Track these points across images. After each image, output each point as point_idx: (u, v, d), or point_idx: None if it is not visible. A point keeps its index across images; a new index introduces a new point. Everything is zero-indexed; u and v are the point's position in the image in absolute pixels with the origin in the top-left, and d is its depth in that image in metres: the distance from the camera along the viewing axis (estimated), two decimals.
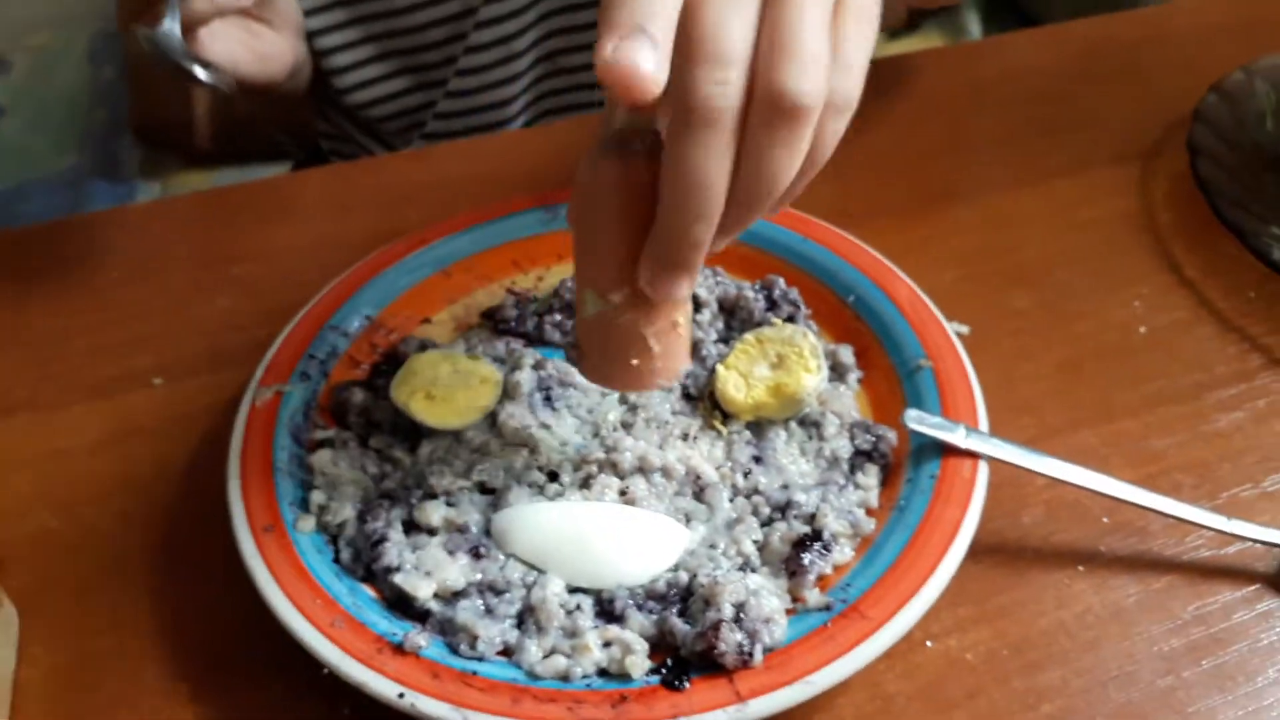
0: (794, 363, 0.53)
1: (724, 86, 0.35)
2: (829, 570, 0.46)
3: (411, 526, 0.48)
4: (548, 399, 0.54)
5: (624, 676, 0.42)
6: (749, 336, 0.55)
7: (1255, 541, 0.50)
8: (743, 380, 0.53)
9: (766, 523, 0.48)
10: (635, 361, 0.45)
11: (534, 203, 0.64)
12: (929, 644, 0.47)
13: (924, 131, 0.76)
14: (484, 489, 0.50)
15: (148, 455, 0.56)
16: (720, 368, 0.54)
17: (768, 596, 0.43)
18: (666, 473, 0.49)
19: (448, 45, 0.83)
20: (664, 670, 0.42)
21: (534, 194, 0.65)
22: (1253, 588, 0.50)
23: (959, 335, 0.57)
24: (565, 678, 0.42)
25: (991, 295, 0.64)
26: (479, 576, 0.45)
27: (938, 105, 0.79)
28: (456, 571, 0.45)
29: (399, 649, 0.42)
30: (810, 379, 0.52)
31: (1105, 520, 0.52)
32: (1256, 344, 0.61)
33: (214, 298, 0.66)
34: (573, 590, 0.45)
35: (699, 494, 0.49)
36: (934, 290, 0.58)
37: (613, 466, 0.50)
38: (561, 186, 0.65)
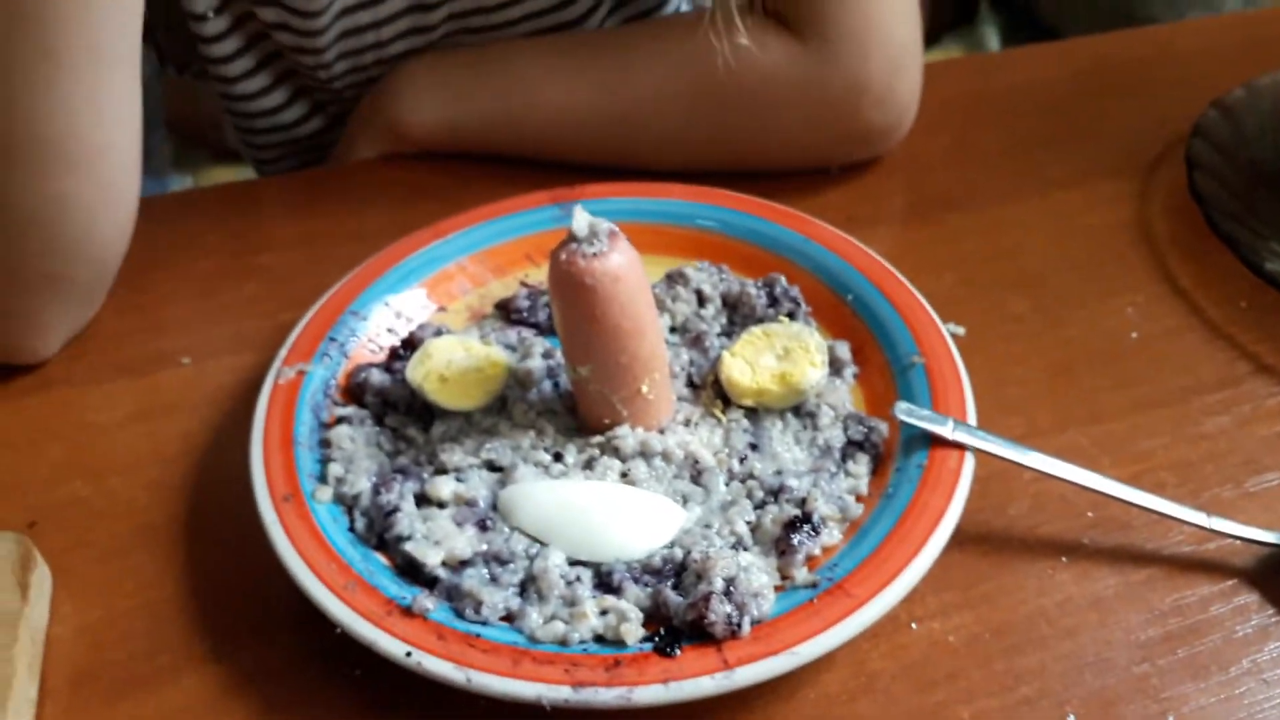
0: (800, 356, 0.55)
1: None
2: (817, 551, 0.48)
3: (423, 500, 0.50)
4: (555, 385, 0.56)
5: (619, 643, 0.45)
6: (757, 329, 0.57)
7: (1235, 538, 0.52)
8: (749, 367, 0.56)
9: (759, 505, 0.50)
10: (607, 421, 0.53)
11: (548, 200, 0.67)
12: (914, 626, 0.49)
13: (930, 140, 0.78)
14: (492, 467, 0.52)
15: (175, 430, 0.59)
16: (726, 354, 0.56)
17: (757, 573, 0.46)
18: (666, 457, 0.52)
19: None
20: (657, 638, 0.45)
21: (548, 191, 0.67)
22: (1230, 582, 0.51)
23: (954, 336, 0.59)
24: (563, 642, 0.45)
25: (988, 299, 0.66)
26: (485, 547, 0.48)
27: (945, 115, 0.81)
28: (464, 542, 0.48)
29: (407, 612, 0.45)
30: (814, 372, 0.55)
31: (1089, 515, 0.54)
32: (1245, 351, 0.63)
33: (240, 284, 0.69)
34: (573, 563, 0.48)
35: (696, 477, 0.52)
36: (932, 293, 0.60)
37: (614, 450, 0.52)
38: (575, 183, 0.68)
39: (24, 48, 0.56)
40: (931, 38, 1.77)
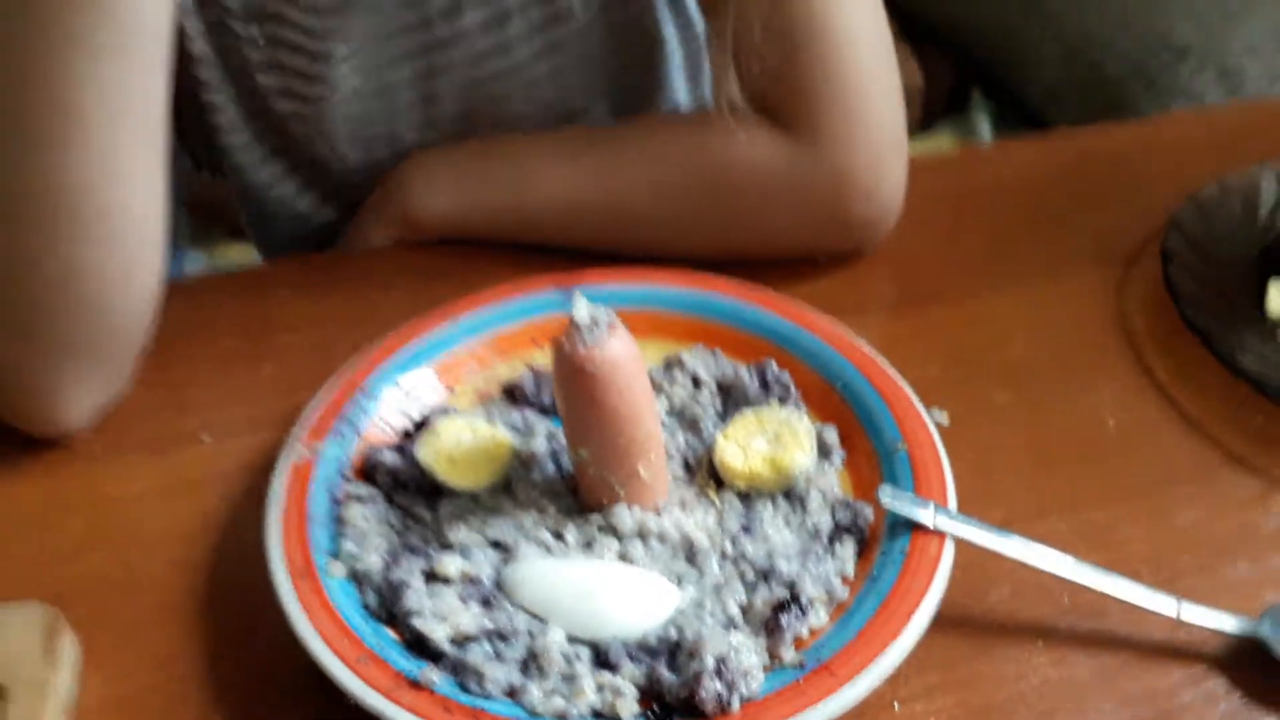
0: (789, 441, 0.58)
1: None
2: (805, 632, 0.51)
3: (430, 576, 0.53)
4: (558, 466, 0.59)
5: (615, 718, 0.47)
6: (749, 413, 0.60)
7: (1203, 627, 0.54)
8: (741, 451, 0.58)
9: (751, 587, 0.53)
10: (606, 501, 0.56)
11: (551, 285, 0.70)
12: (896, 706, 0.52)
13: (918, 231, 0.81)
14: (496, 545, 0.55)
15: (194, 506, 0.62)
16: (720, 437, 0.59)
17: (747, 653, 0.48)
18: (662, 537, 0.55)
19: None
20: (651, 714, 0.47)
21: (551, 276, 0.71)
22: (1200, 668, 0.54)
23: (938, 425, 0.62)
24: (563, 717, 0.47)
25: (972, 389, 0.69)
26: (489, 624, 0.50)
27: (933, 207, 0.84)
28: (469, 618, 0.50)
29: (416, 685, 0.47)
30: (803, 457, 0.58)
31: (1066, 600, 0.56)
32: (1218, 443, 0.66)
33: (258, 365, 0.72)
34: (572, 640, 0.50)
35: (691, 558, 0.54)
36: (918, 381, 0.63)
37: (613, 530, 0.55)
38: (576, 268, 0.71)
39: (36, 102, 0.58)
40: (925, 124, 1.83)
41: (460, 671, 0.49)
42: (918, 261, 0.80)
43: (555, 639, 0.49)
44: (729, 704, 0.46)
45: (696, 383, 0.64)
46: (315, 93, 0.79)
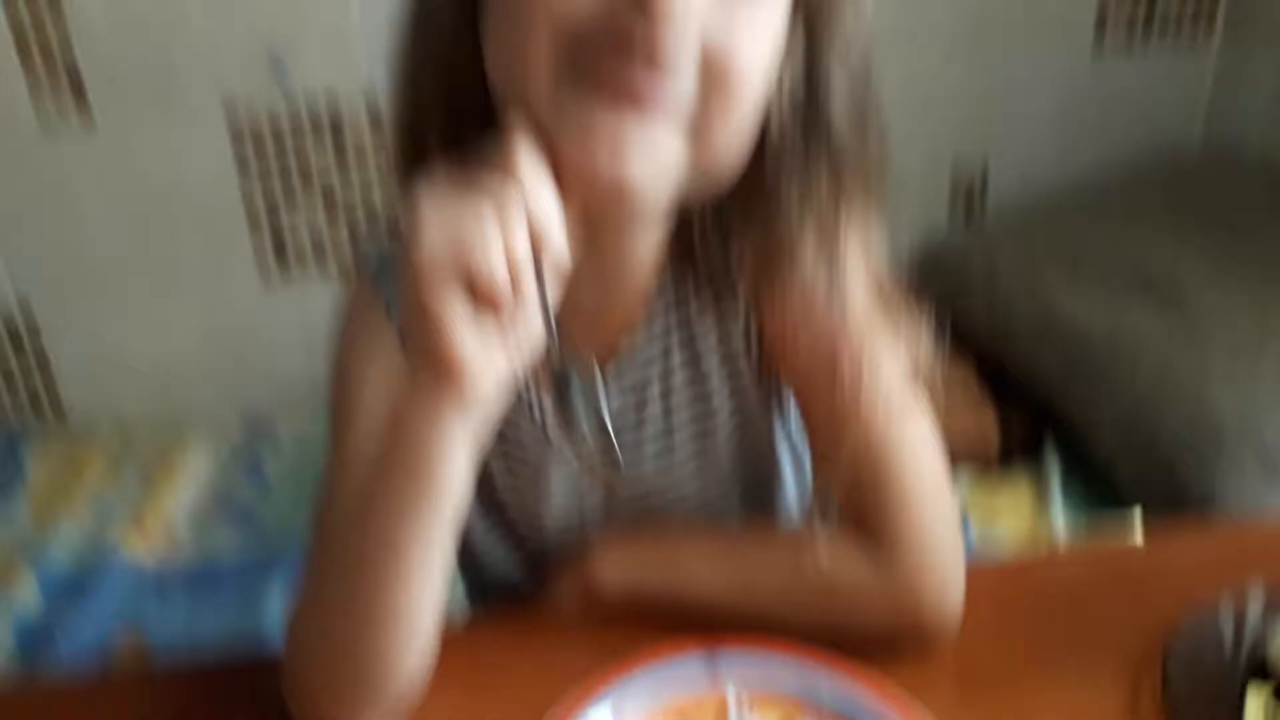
0: None
1: None
2: None
3: None
4: None
5: None
6: None
7: None
8: None
9: None
10: None
11: (699, 648, 0.96)
12: None
13: (980, 628, 1.03)
14: None
15: None
16: None
17: None
18: None
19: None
20: None
21: (697, 642, 0.96)
22: None
23: None
24: None
25: None
26: None
27: (990, 609, 1.06)
28: None
29: None
30: None
31: None
32: None
33: (484, 699, 0.99)
34: None
35: None
36: None
37: None
38: (719, 636, 0.97)
39: (367, 542, 0.88)
40: (1001, 464, 2.08)
41: None
42: (976, 652, 1.03)
43: None
44: None
45: None
46: (531, 489, 1.10)
